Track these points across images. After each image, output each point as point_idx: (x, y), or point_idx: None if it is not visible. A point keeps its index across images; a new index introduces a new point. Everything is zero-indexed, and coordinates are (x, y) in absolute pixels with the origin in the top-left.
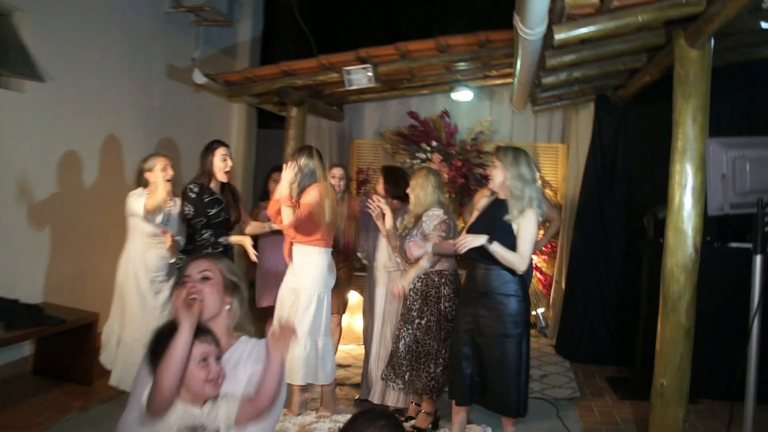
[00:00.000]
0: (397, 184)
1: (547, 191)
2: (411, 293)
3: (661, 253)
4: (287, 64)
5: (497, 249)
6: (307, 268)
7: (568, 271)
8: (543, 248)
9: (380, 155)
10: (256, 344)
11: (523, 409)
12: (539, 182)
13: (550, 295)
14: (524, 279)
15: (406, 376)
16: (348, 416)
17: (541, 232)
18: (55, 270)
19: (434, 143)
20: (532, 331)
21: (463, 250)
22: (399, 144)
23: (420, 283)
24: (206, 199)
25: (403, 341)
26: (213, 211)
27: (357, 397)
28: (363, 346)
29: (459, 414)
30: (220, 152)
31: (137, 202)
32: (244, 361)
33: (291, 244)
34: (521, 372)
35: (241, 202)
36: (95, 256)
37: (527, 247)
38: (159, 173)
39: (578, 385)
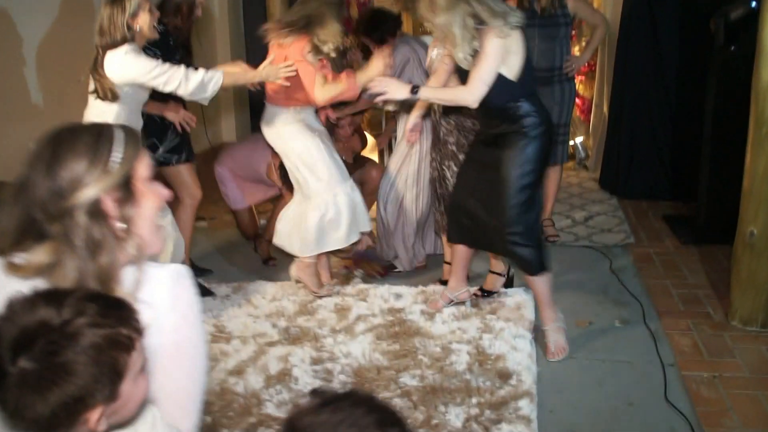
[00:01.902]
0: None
1: None
2: (444, 123)
3: (732, 64)
4: None
5: (428, 94)
6: None
7: (612, 93)
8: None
9: None
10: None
11: (536, 267)
12: None
13: (589, 122)
14: (542, 111)
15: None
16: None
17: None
18: None
19: None
20: (570, 164)
21: (380, 100)
22: None
23: (453, 114)
24: (171, 43)
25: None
26: (178, 57)
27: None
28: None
29: (457, 252)
30: None
31: (138, 63)
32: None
33: None
34: (527, 216)
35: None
36: None
37: (479, 72)
38: (147, 16)
39: (631, 228)
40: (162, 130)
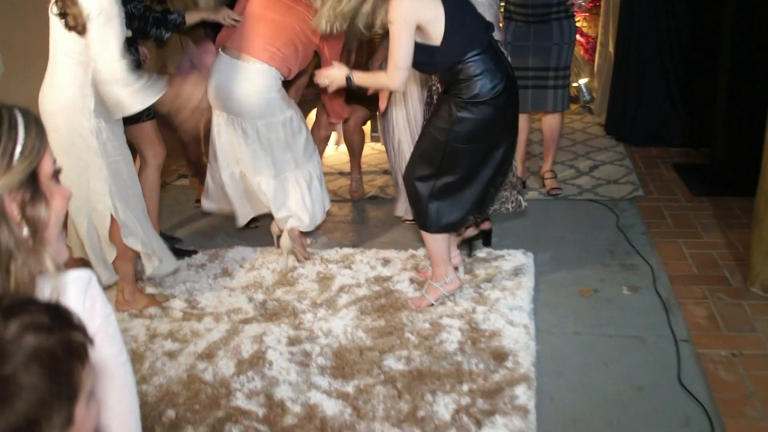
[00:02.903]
0: None
1: None
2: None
3: None
4: None
5: (360, 82)
6: None
7: (618, 31)
8: (583, 2)
9: None
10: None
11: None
12: None
13: (594, 62)
14: (497, 70)
15: None
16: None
17: None
18: None
19: None
20: (574, 107)
21: (331, 89)
22: None
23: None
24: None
25: None
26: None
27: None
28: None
29: None
30: None
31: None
32: None
33: None
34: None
35: None
36: None
37: (392, 57)
38: None
39: (639, 178)
40: None
